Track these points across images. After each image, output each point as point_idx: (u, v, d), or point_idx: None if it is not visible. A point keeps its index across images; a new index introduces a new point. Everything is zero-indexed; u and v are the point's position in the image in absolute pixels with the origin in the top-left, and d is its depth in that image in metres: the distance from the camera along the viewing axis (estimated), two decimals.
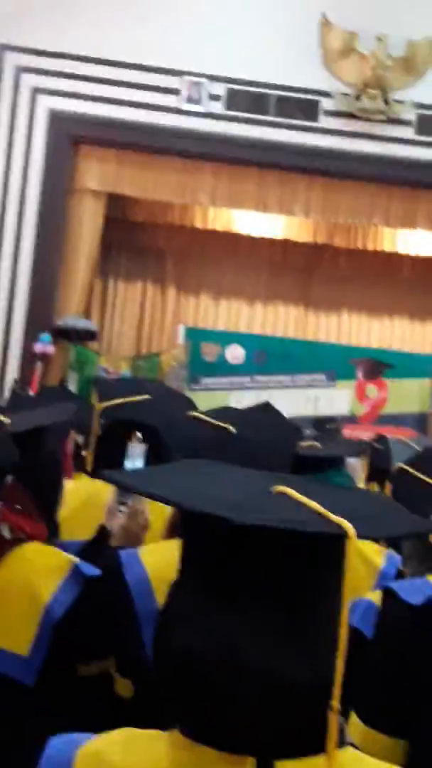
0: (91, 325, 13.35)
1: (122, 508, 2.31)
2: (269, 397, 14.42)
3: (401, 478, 1.93)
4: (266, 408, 2.99)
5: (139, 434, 2.40)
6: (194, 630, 1.06)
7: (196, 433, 2.24)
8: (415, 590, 1.61)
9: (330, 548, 1.05)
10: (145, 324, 14.78)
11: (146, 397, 2.70)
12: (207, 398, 14.34)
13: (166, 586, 1.81)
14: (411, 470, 1.88)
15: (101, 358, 13.53)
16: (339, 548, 1.04)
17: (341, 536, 1.03)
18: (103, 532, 2.38)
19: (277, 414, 2.83)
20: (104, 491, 2.49)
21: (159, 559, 1.82)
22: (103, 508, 2.42)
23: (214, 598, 1.07)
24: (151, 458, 2.46)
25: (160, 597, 1.81)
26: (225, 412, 2.45)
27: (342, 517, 1.04)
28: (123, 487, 1.26)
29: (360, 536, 1.02)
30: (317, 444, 2.63)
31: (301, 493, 1.09)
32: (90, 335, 13.09)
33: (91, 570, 1.94)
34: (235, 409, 3.06)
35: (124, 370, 13.64)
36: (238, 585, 1.06)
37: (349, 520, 1.03)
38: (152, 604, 1.81)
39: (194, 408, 3.27)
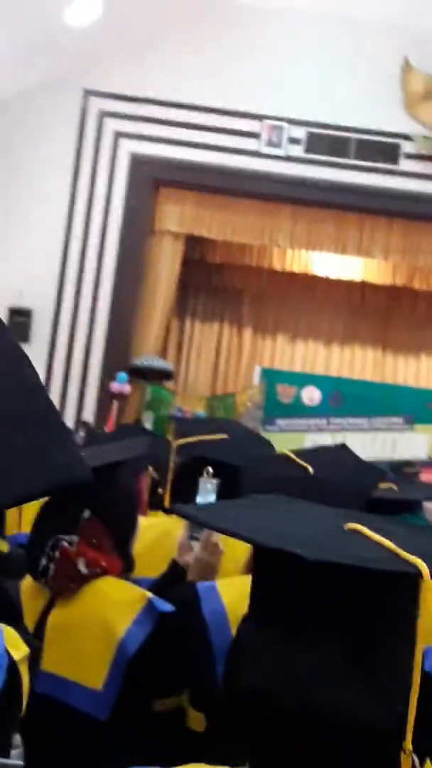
0: (168, 365, 13.47)
1: (194, 543, 2.32)
2: (344, 439, 14.34)
3: None
4: (343, 449, 2.96)
5: (210, 469, 2.39)
6: (265, 667, 1.05)
7: (274, 472, 2.24)
8: None
9: (403, 587, 1.03)
10: (221, 364, 14.86)
11: (223, 435, 2.70)
12: (282, 439, 14.28)
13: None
14: None
15: (177, 397, 13.62)
16: (412, 587, 1.02)
17: (415, 575, 1.01)
18: (175, 567, 2.39)
19: (354, 455, 2.80)
20: (178, 528, 2.50)
21: (236, 593, 1.82)
22: (176, 544, 2.43)
23: (285, 635, 1.05)
24: (224, 496, 2.46)
25: (236, 631, 1.80)
26: (303, 453, 2.44)
27: (416, 556, 1.02)
28: (194, 521, 1.25)
29: None
30: (394, 487, 2.59)
31: (374, 531, 1.08)
32: (166, 375, 13.19)
33: (165, 606, 1.94)
34: (314, 450, 3.04)
35: (200, 410, 13.70)
36: (309, 622, 1.04)
37: (424, 559, 1.02)
38: (228, 638, 1.80)
39: (270, 447, 3.27)
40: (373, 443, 14.15)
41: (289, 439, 13.99)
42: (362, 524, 1.11)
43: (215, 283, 14.48)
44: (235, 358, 14.96)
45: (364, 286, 14.20)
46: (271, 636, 1.06)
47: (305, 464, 2.20)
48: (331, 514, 1.20)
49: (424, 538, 1.15)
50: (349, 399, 14.08)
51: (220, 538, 2.26)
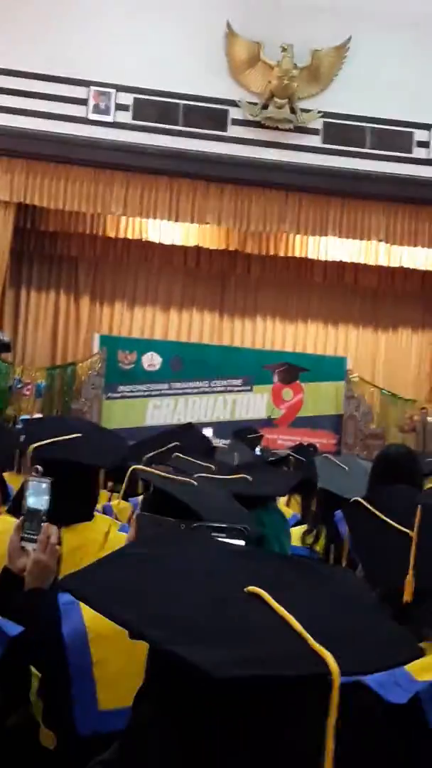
0: (4, 335, 13.19)
1: (29, 545, 2.13)
2: (186, 403, 14.54)
3: (357, 513, 1.92)
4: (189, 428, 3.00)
5: (40, 468, 2.28)
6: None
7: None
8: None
9: (311, 689, 0.94)
10: (60, 334, 14.70)
11: (76, 434, 2.71)
12: (125, 405, 14.38)
13: (103, 639, 1.81)
14: (368, 506, 1.89)
15: (16, 368, 13.40)
16: (321, 689, 0.93)
17: (324, 675, 0.92)
18: (6, 577, 2.18)
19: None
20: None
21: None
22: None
23: (183, 747, 0.98)
24: (71, 495, 2.40)
25: (96, 650, 1.81)
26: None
27: (324, 641, 0.94)
28: (86, 603, 1.12)
29: (345, 674, 0.92)
30: (248, 477, 2.69)
31: (275, 598, 0.99)
32: (4, 346, 12.93)
33: (13, 629, 1.82)
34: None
35: (40, 381, 13.54)
36: (211, 736, 0.96)
37: (333, 647, 0.94)
38: (86, 659, 1.78)
39: (122, 441, 3.31)
40: (214, 405, 14.45)
41: (132, 405, 14.11)
42: (262, 584, 1.02)
43: (49, 251, 14.26)
44: (73, 326, 14.83)
45: (198, 251, 14.33)
46: (169, 747, 0.98)
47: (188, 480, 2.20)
48: (230, 567, 1.10)
49: (330, 606, 1.06)
50: (189, 363, 14.29)
51: (63, 536, 2.20)
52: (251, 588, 1.01)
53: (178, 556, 1.13)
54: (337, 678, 0.91)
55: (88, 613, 1.82)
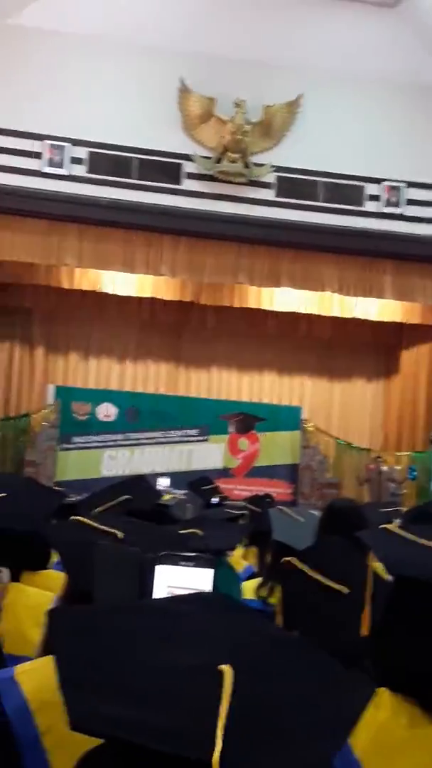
0: None
1: None
2: (142, 453, 14.44)
3: (292, 577, 1.90)
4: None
5: None
6: None
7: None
8: None
9: None
10: (14, 384, 14.61)
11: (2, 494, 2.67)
12: (79, 457, 14.28)
13: (47, 706, 1.78)
14: (302, 567, 1.87)
15: None
16: None
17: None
18: None
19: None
20: None
21: (38, 680, 1.79)
22: None
23: None
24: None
25: (40, 719, 1.78)
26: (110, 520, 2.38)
27: (242, 735, 0.90)
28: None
29: None
30: (198, 532, 2.67)
31: (237, 675, 0.95)
32: None
33: None
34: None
35: None
36: None
37: (242, 746, 0.89)
38: (32, 729, 1.78)
39: (54, 495, 3.28)
40: (170, 455, 14.40)
41: (86, 456, 14.01)
42: (236, 658, 0.98)
43: (4, 302, 14.21)
44: (27, 377, 14.75)
45: (154, 303, 14.39)
46: None
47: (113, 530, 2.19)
48: (206, 634, 1.06)
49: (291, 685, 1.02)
50: (145, 413, 14.26)
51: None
52: (222, 666, 0.98)
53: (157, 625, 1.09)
54: None
55: (27, 683, 1.80)
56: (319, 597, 1.79)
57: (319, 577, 1.84)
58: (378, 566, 1.72)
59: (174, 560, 1.77)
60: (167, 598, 1.22)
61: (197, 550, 2.42)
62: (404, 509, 6.39)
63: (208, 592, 1.58)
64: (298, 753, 0.93)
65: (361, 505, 4.27)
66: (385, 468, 13.81)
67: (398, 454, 14.20)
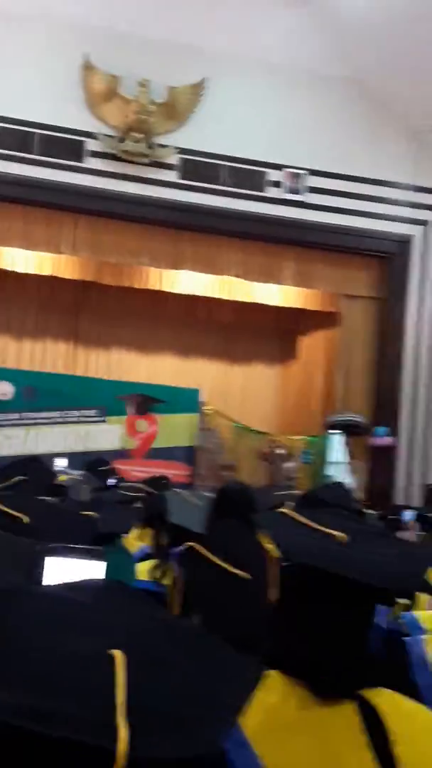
0: None
1: None
2: (39, 433, 14.27)
3: (193, 558, 1.90)
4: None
5: None
6: None
7: None
8: None
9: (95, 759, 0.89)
10: None
11: None
12: None
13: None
14: (204, 552, 1.87)
15: None
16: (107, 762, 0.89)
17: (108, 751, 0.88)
18: None
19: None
20: None
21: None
22: None
23: None
24: None
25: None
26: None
27: (143, 718, 0.91)
28: None
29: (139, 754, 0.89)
30: (93, 515, 2.67)
31: (129, 658, 0.97)
32: None
33: None
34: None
35: None
36: None
37: (146, 727, 0.91)
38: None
39: None
40: (67, 436, 14.26)
41: None
42: (126, 642, 1.00)
43: None
44: None
45: (53, 281, 14.18)
46: None
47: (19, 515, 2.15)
48: (98, 620, 1.06)
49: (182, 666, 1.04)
50: (43, 392, 14.04)
51: None
52: (113, 651, 0.99)
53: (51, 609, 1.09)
54: (121, 757, 0.88)
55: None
56: (222, 581, 1.81)
57: (220, 562, 1.86)
58: (271, 548, 1.74)
59: (65, 552, 1.75)
60: (59, 584, 1.20)
61: (94, 534, 2.43)
62: (297, 492, 6.52)
63: (101, 579, 1.56)
64: (190, 737, 0.94)
65: (254, 488, 4.34)
66: (279, 451, 14.00)
67: (294, 438, 14.41)
